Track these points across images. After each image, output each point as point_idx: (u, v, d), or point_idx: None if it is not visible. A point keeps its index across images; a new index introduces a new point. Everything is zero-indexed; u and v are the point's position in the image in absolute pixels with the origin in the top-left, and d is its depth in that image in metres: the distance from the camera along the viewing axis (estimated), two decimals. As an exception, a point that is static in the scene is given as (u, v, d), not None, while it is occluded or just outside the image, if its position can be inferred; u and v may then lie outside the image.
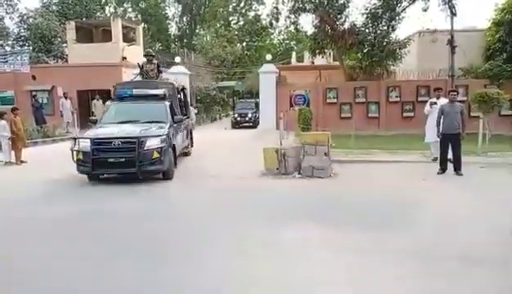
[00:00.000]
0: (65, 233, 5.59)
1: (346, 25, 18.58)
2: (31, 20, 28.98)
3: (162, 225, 5.82)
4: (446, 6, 16.89)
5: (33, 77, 20.90)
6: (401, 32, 36.03)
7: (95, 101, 19.64)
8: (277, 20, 19.96)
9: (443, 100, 9.88)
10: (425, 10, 17.99)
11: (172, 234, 5.45)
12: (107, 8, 42.16)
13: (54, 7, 32.33)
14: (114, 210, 6.62)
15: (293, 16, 19.43)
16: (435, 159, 9.90)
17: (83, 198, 7.53)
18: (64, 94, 19.09)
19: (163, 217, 6.24)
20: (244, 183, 8.45)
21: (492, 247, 4.82)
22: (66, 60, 27.17)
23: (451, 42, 16.66)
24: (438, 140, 9.28)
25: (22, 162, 11.17)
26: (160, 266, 4.41)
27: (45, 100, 21.15)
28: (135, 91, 9.84)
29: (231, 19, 46.81)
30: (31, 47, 27.96)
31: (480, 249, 4.76)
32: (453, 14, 16.81)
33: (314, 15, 18.97)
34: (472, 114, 14.32)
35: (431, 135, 9.93)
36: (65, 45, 28.43)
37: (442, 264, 4.32)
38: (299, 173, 8.93)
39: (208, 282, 4.06)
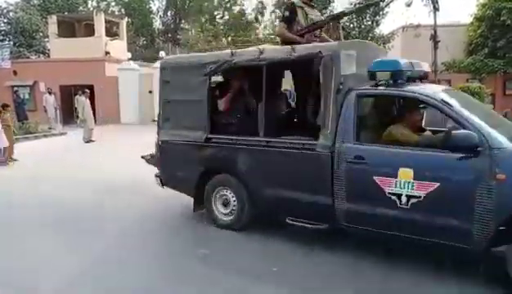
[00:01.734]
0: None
1: (330, 20, 18.63)
2: (11, 14, 28.41)
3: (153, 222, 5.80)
4: (430, 1, 17.04)
5: (15, 73, 20.56)
6: (385, 27, 36.38)
7: (77, 97, 19.27)
8: (262, 14, 19.93)
9: None
10: (409, 5, 18.12)
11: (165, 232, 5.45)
12: (90, 2, 41.47)
13: (35, 1, 31.74)
14: None
15: (278, 11, 19.42)
16: None
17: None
18: (47, 89, 18.77)
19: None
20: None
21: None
22: (48, 55, 26.75)
23: (434, 37, 16.82)
24: None
25: (12, 159, 10.64)
26: (150, 262, 4.41)
27: (27, 96, 20.85)
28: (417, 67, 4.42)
29: (216, 13, 46.51)
30: (12, 42, 27.40)
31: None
32: (436, 9, 16.96)
33: (299, 10, 19.00)
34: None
35: None
36: (46, 39, 27.97)
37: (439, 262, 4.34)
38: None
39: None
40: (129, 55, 21.11)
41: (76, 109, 18.48)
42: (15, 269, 4.25)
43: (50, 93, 18.58)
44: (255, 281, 3.89)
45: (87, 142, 14.06)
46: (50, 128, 17.41)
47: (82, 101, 14.44)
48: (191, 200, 5.39)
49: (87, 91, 15.01)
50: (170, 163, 5.51)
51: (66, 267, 4.24)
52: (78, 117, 14.65)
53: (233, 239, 4.86)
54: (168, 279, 3.98)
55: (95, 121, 20.42)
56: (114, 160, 10.47)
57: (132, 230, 5.38)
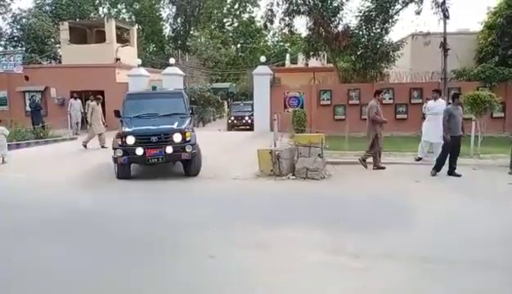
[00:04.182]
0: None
1: (340, 28, 18.64)
2: (24, 20, 28.87)
3: (156, 226, 5.83)
4: (439, 9, 17.00)
5: (26, 78, 20.84)
6: (394, 34, 36.34)
7: (88, 102, 19.04)
8: (272, 22, 19.98)
9: (440, 102, 10.17)
10: (418, 13, 18.11)
11: (163, 236, 5.45)
12: (101, 9, 42.06)
13: (47, 8, 32.27)
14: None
15: (287, 18, 19.46)
16: (418, 159, 10.15)
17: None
18: (72, 95, 18.90)
19: (157, 219, 6.24)
20: (239, 184, 8.45)
21: (491, 249, 4.84)
22: (59, 61, 27.09)
23: (443, 45, 16.77)
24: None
25: None
26: (149, 266, 4.43)
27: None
28: None
29: (225, 20, 46.84)
30: (24, 48, 27.84)
31: (479, 251, 4.78)
32: (446, 17, 16.93)
33: (308, 18, 19.03)
34: (464, 116, 14.42)
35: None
36: (58, 45, 28.39)
37: (442, 267, 4.33)
38: (293, 175, 8.95)
39: (198, 283, 4.07)
40: (139, 61, 21.25)
41: (86, 114, 18.60)
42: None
43: (75, 98, 18.65)
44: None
45: (103, 147, 14.01)
46: (77, 133, 17.53)
47: (90, 106, 14.52)
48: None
49: (100, 97, 15.00)
50: None
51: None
52: (87, 122, 14.72)
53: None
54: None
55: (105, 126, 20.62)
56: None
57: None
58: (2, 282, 4.11)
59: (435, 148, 10.54)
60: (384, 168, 9.68)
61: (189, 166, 9.26)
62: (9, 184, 8.93)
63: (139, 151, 8.75)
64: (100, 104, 14.70)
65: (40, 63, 26.98)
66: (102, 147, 14.07)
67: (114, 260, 4.66)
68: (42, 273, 4.29)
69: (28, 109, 21.01)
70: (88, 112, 14.55)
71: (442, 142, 10.08)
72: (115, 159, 8.89)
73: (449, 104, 9.78)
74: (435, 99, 10.55)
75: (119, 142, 8.88)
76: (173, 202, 7.16)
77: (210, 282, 4.07)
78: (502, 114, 16.49)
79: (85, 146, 14.01)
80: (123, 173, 9.05)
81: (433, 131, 10.29)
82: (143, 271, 4.31)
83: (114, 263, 4.56)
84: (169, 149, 8.87)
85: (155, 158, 8.85)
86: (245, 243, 5.07)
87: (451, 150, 8.95)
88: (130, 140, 8.80)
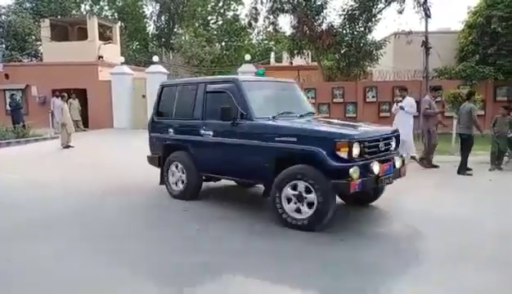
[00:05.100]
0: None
1: (324, 26, 18.72)
2: (3, 17, 28.26)
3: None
4: (421, 8, 17.21)
5: (6, 76, 20.47)
6: (377, 33, 36.68)
7: (71, 100, 19.03)
8: (256, 20, 19.97)
9: (408, 100, 10.27)
10: (401, 12, 18.29)
11: (167, 237, 5.44)
12: (83, 6, 41.39)
13: (28, 4, 31.65)
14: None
15: (271, 17, 19.48)
16: (413, 157, 10.29)
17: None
18: (54, 93, 18.53)
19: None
20: (230, 184, 8.43)
21: (486, 248, 4.89)
22: (41, 59, 26.64)
23: (425, 44, 16.99)
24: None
25: None
26: (149, 266, 4.40)
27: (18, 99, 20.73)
28: None
29: (209, 18, 46.61)
30: (4, 45, 27.30)
31: (477, 250, 4.81)
32: (427, 16, 17.13)
33: (292, 16, 19.08)
34: (446, 114, 14.65)
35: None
36: (39, 43, 27.88)
37: (441, 266, 4.37)
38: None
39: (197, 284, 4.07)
40: (122, 59, 21.05)
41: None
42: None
43: (57, 96, 18.33)
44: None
45: (66, 147, 13.84)
46: (56, 133, 17.23)
47: (59, 105, 14.32)
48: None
49: (65, 94, 14.87)
50: None
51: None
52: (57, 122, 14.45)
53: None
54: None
55: (87, 126, 20.43)
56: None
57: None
58: (2, 282, 4.06)
59: (407, 145, 10.64)
60: (437, 167, 9.77)
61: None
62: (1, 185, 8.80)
63: (376, 167, 5.29)
64: (69, 103, 14.56)
65: (20, 61, 26.51)
66: (67, 146, 13.83)
67: (115, 260, 4.61)
68: (42, 273, 4.25)
69: (8, 107, 20.63)
70: (58, 111, 14.34)
71: (407, 139, 10.22)
72: (343, 187, 5.09)
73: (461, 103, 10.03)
74: (403, 97, 10.61)
75: (343, 155, 5.12)
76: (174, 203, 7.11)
77: (211, 282, 4.08)
78: (483, 112, 16.79)
79: (67, 146, 13.85)
80: (324, 217, 5.26)
81: (401, 130, 10.44)
82: (143, 271, 4.29)
83: (115, 263, 4.51)
84: (398, 162, 5.91)
85: (387, 178, 5.56)
86: (245, 242, 5.09)
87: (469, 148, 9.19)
88: (354, 149, 5.20)
